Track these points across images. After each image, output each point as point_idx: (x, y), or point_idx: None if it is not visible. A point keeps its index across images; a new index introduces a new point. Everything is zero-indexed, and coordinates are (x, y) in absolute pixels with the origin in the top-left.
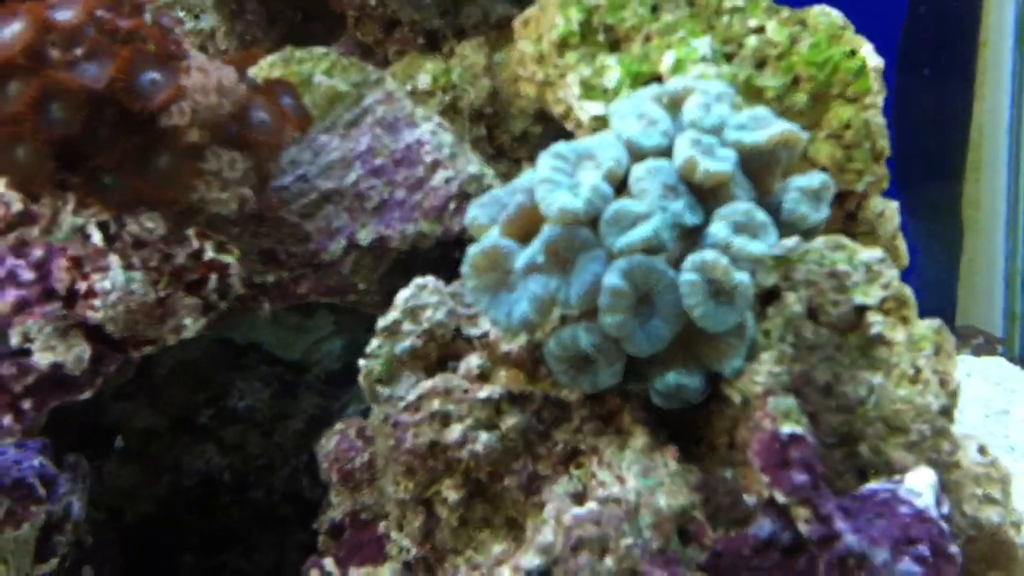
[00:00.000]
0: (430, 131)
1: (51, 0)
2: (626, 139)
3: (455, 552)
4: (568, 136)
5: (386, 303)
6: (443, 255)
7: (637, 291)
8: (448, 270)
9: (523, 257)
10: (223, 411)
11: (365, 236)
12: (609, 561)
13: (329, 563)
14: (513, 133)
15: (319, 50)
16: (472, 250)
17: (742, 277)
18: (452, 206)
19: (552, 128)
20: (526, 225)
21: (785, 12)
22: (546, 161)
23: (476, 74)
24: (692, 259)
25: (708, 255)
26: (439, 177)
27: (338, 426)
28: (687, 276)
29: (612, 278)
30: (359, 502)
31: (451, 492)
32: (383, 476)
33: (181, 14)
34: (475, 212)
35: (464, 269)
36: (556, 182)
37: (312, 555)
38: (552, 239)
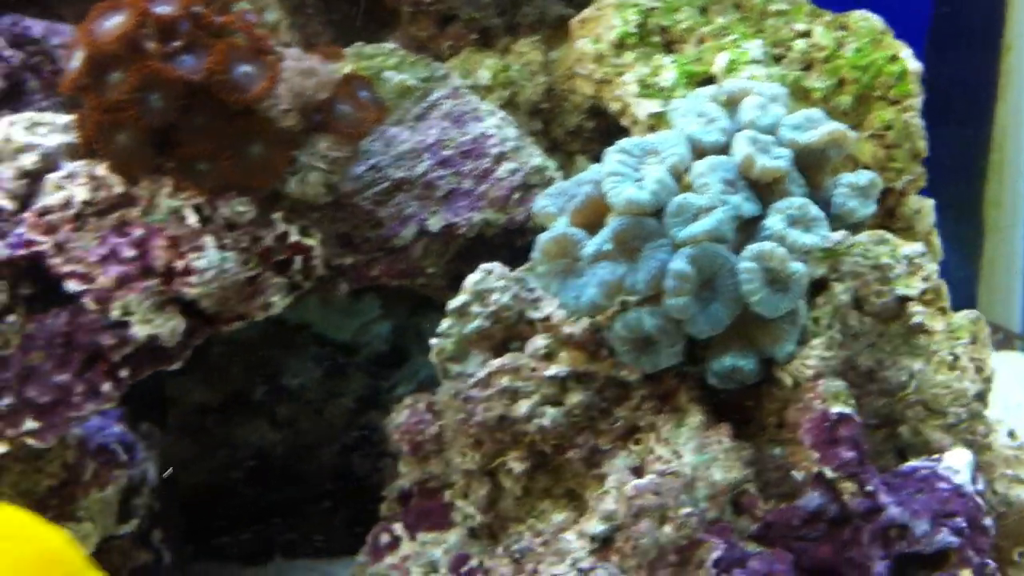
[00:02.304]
0: (495, 125)
1: None
2: (688, 136)
3: (517, 520)
4: (620, 131)
5: (451, 287)
6: (506, 242)
7: (701, 276)
8: (510, 256)
9: (592, 245)
10: (276, 389)
11: (435, 223)
12: (668, 529)
13: (398, 527)
14: (567, 127)
15: (387, 46)
16: (543, 237)
17: (797, 267)
18: (516, 196)
19: (604, 123)
20: (593, 215)
21: (827, 16)
22: (612, 156)
23: (533, 71)
24: (751, 248)
25: (766, 245)
26: (504, 168)
27: (408, 400)
28: (746, 264)
29: (679, 263)
30: (427, 472)
31: (516, 463)
32: (450, 448)
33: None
34: (544, 202)
35: (535, 255)
36: (623, 175)
37: (380, 520)
38: (620, 228)
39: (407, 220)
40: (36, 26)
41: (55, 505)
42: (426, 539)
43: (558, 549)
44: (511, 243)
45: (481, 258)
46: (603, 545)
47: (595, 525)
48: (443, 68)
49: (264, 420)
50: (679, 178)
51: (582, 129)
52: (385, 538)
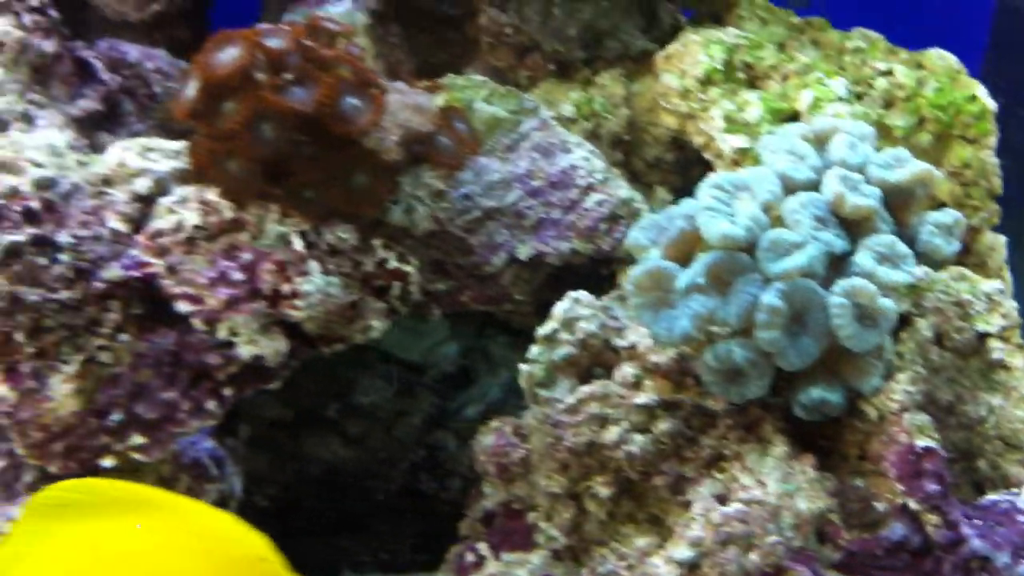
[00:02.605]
0: (583, 157)
1: (262, 28)
2: (779, 173)
3: (601, 543)
4: (699, 163)
5: (537, 313)
6: (592, 271)
7: (792, 311)
8: (595, 285)
9: (684, 278)
10: (348, 406)
11: (524, 251)
12: (754, 556)
13: (483, 547)
14: (647, 159)
15: (478, 78)
16: (636, 270)
17: (887, 303)
18: (603, 227)
19: (683, 155)
20: (685, 248)
21: (903, 54)
22: (706, 191)
23: (615, 103)
24: (842, 284)
25: (857, 281)
26: (592, 200)
27: (494, 424)
28: (837, 299)
29: (771, 298)
30: (512, 494)
31: (602, 488)
32: (536, 471)
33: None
34: (636, 234)
35: (627, 287)
36: (716, 210)
37: (463, 540)
38: (713, 262)
39: (497, 248)
40: (132, 51)
41: None
42: (510, 559)
43: (644, 573)
44: (596, 272)
45: (567, 286)
46: (689, 571)
47: (682, 551)
48: (533, 100)
49: (335, 437)
50: (771, 214)
51: (661, 161)
52: (470, 557)
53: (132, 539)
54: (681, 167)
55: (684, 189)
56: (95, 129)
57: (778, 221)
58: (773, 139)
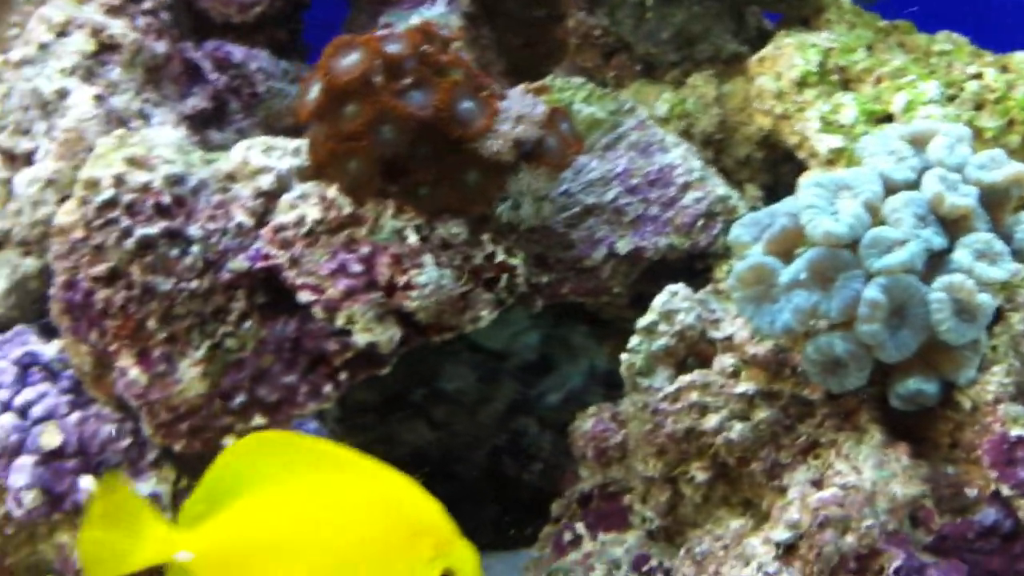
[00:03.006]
0: (680, 156)
1: (382, 35)
2: (880, 173)
3: (695, 525)
4: (788, 161)
5: (632, 305)
6: (687, 265)
7: (892, 305)
8: (689, 278)
9: (787, 273)
10: (434, 391)
11: (623, 246)
12: (850, 538)
13: (580, 527)
14: (737, 157)
15: (577, 80)
16: (740, 266)
17: (985, 298)
18: (700, 223)
19: (772, 154)
20: (787, 245)
21: (988, 56)
22: (808, 190)
23: (707, 104)
24: (942, 280)
25: (956, 277)
26: (689, 197)
27: (592, 410)
28: (937, 295)
29: (873, 292)
30: (608, 477)
31: (699, 473)
32: (633, 455)
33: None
34: (738, 231)
35: (731, 281)
36: (819, 208)
37: (560, 520)
38: (816, 259)
39: (597, 243)
40: (236, 51)
41: None
42: (606, 539)
43: (741, 553)
44: (691, 267)
45: (662, 279)
46: (787, 552)
47: (780, 532)
48: (630, 101)
49: (422, 421)
50: (872, 212)
51: (751, 159)
52: (567, 536)
53: (318, 487)
54: (769, 165)
55: (773, 186)
56: (204, 127)
57: (878, 219)
58: (873, 140)
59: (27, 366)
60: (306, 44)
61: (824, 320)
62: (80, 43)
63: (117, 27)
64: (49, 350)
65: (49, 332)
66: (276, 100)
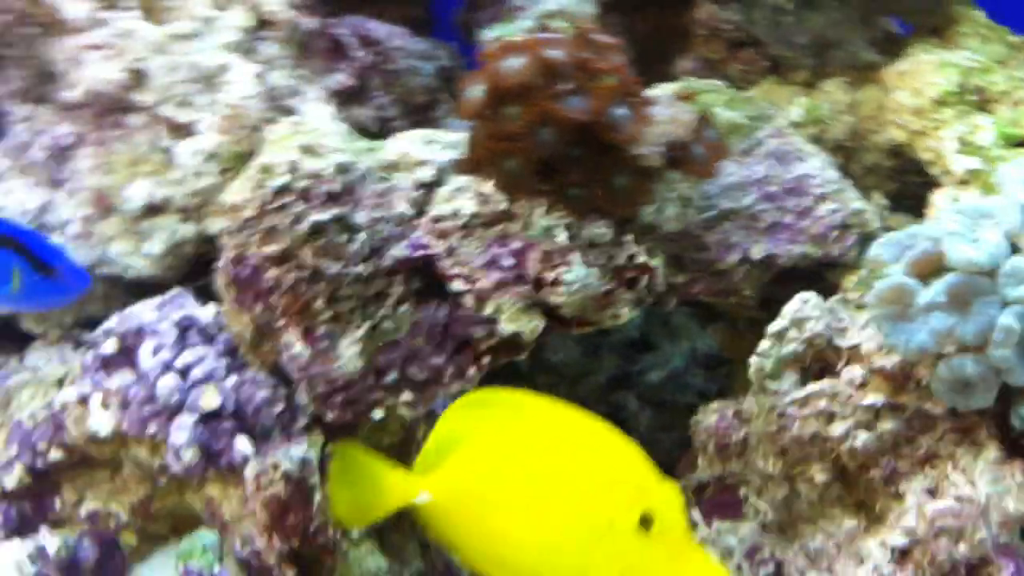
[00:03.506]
0: (818, 167)
1: (545, 39)
2: (1021, 204)
3: (809, 521)
4: (914, 172)
5: (758, 307)
6: (816, 274)
7: None
8: (818, 287)
9: (926, 296)
10: (539, 362)
11: (757, 252)
12: (963, 547)
13: (695, 513)
14: (865, 164)
15: (716, 83)
16: (881, 284)
17: None
18: (834, 234)
19: (899, 163)
20: (927, 268)
21: None
22: (950, 217)
23: (840, 111)
24: None
25: None
26: (825, 208)
27: (714, 405)
28: None
29: (1009, 320)
30: (727, 470)
31: (819, 474)
32: (753, 452)
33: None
34: (878, 250)
35: (870, 299)
36: (961, 235)
37: None
38: (955, 284)
39: (732, 247)
40: (378, 28)
41: (395, 458)
42: (721, 527)
43: (855, 553)
44: (820, 275)
45: (791, 285)
46: (901, 556)
47: (897, 538)
48: (769, 107)
49: (527, 388)
50: (1012, 242)
51: (879, 167)
52: None
53: (530, 435)
54: (896, 174)
55: (897, 195)
56: (347, 103)
57: (1017, 249)
58: (1012, 170)
59: (186, 328)
60: (434, 18)
61: (957, 343)
62: (239, 18)
63: (274, 3)
64: (205, 314)
65: (203, 295)
66: (411, 78)
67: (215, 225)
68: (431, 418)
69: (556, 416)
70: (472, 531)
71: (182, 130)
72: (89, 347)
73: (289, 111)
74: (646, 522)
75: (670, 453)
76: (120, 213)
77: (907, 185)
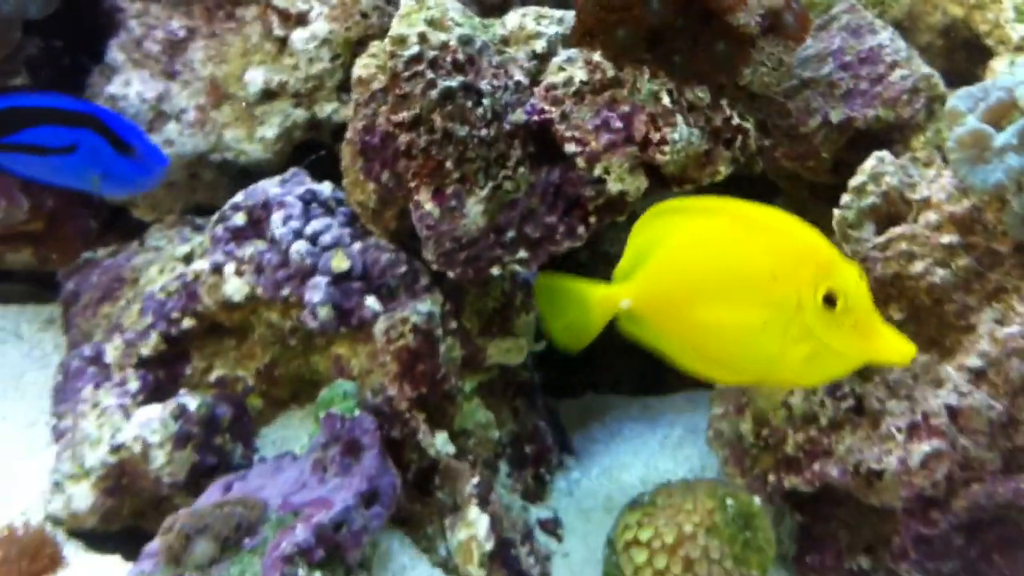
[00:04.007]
0: (888, 38)
1: None
2: None
3: None
4: (964, 49)
5: (833, 170)
6: (887, 136)
7: None
8: (888, 147)
9: (1001, 139)
10: (598, 254)
11: (836, 116)
12: None
13: None
14: (918, 44)
15: None
16: (959, 130)
17: None
18: (905, 98)
19: (949, 43)
20: (1000, 116)
21: None
22: (1022, 69)
23: None
24: None
25: None
26: (896, 75)
27: None
28: None
29: None
30: None
31: (896, 313)
32: None
33: None
34: (955, 103)
35: (950, 144)
36: None
37: None
38: None
39: (813, 113)
40: None
41: (497, 322)
42: None
43: (933, 379)
44: (890, 138)
45: (862, 147)
46: (977, 377)
47: (973, 360)
48: None
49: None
50: None
51: (931, 46)
52: None
53: (718, 229)
54: (947, 52)
55: (946, 72)
56: None
57: None
58: None
59: (309, 201)
60: None
61: None
62: None
63: None
64: (324, 189)
65: (313, 175)
66: None
67: (326, 109)
68: (527, 288)
69: (738, 211)
70: (673, 328)
71: (294, 19)
72: (216, 222)
73: None
74: (831, 301)
75: None
76: (234, 101)
77: (955, 63)
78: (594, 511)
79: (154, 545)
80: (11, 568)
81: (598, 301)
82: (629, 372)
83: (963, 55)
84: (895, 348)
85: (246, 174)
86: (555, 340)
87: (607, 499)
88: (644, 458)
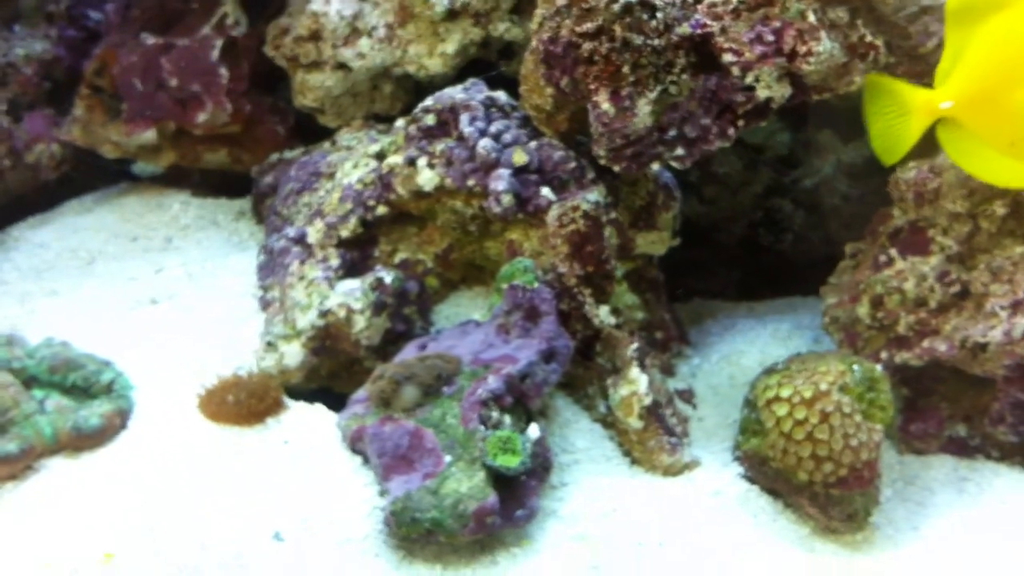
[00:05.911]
0: None
1: None
2: None
3: (986, 251)
4: None
5: None
6: None
7: None
8: None
9: None
10: (706, 174)
11: None
12: None
13: (893, 252)
14: None
15: None
16: None
17: None
18: None
19: None
20: None
21: None
22: None
23: None
24: None
25: None
26: None
27: (912, 164)
28: None
29: None
30: (920, 215)
31: (1000, 208)
32: (944, 197)
33: None
34: None
35: None
36: None
37: (875, 245)
38: None
39: (932, 35)
40: None
41: (644, 217)
42: (914, 260)
43: None
44: None
45: None
46: None
47: None
48: None
49: (694, 196)
50: None
51: None
52: (883, 258)
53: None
54: None
55: None
56: None
57: None
58: None
59: (489, 106)
60: None
61: None
62: None
63: None
64: (501, 96)
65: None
66: None
67: (499, 28)
68: (668, 190)
69: None
70: (995, 124)
71: None
72: (409, 123)
73: None
74: None
75: (820, 249)
76: (419, 20)
77: None
78: (721, 386)
79: (362, 392)
80: (242, 407)
81: (920, 103)
82: (731, 282)
83: None
84: None
85: (419, 88)
86: (873, 144)
87: (730, 378)
88: (759, 346)
